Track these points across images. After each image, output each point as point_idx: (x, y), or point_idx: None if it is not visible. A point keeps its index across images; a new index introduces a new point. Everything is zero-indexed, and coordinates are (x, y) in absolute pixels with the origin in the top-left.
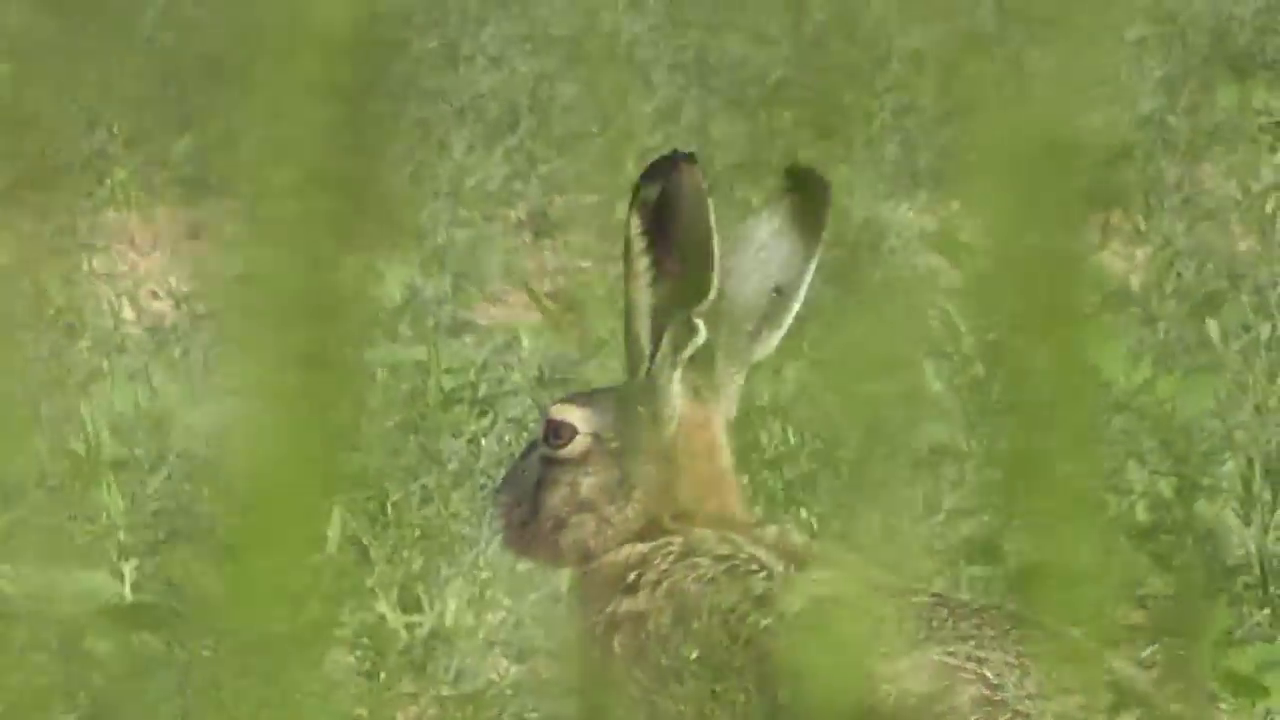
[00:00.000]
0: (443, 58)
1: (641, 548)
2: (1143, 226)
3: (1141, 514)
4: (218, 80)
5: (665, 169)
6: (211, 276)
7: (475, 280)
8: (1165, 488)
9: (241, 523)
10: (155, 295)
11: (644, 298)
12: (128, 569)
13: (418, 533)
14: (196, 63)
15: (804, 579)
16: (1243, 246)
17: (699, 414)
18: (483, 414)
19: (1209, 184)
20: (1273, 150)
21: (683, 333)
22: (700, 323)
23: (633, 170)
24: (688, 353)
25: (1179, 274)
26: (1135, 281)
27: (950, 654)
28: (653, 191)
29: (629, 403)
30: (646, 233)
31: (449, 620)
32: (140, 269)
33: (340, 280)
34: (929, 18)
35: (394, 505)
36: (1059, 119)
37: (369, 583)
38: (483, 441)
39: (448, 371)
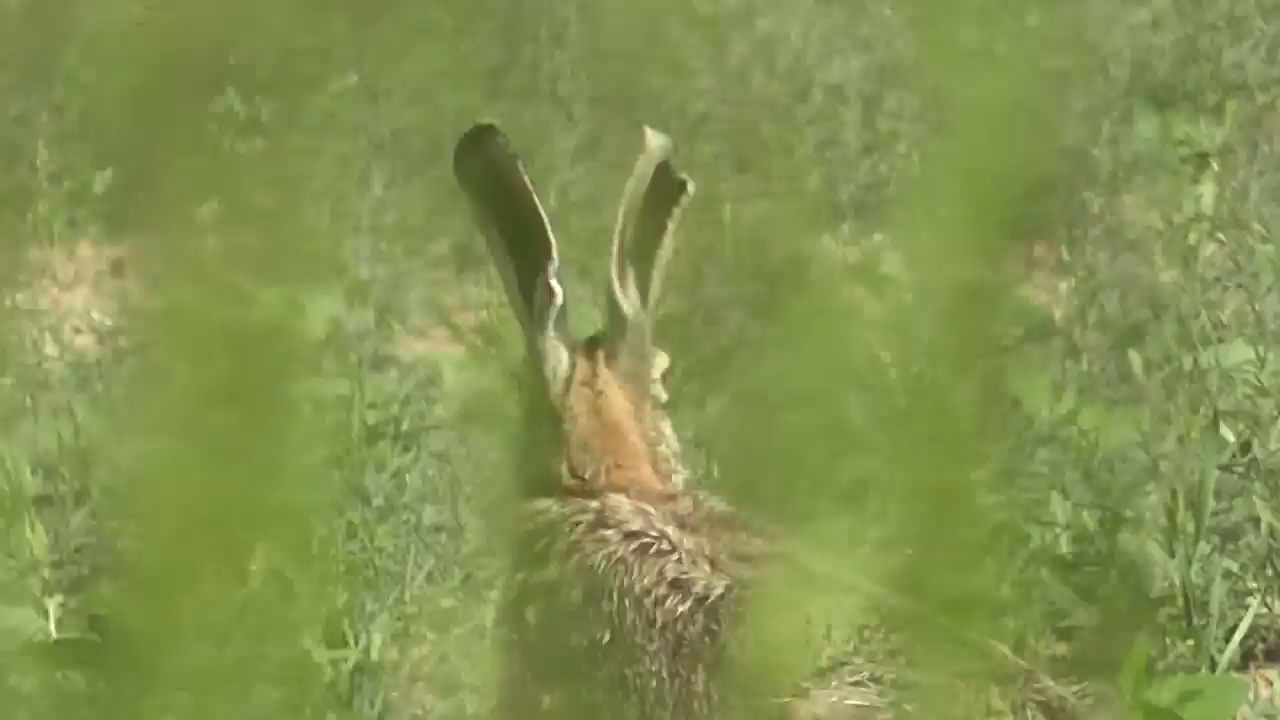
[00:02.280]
0: (363, 92)
1: (552, 513)
2: (1065, 258)
3: (1064, 546)
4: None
5: (477, 142)
6: (134, 312)
7: (398, 314)
8: (1088, 519)
9: (165, 559)
10: (78, 330)
11: (506, 268)
12: (52, 605)
13: (343, 567)
14: (118, 98)
15: (727, 561)
16: (1165, 278)
17: (588, 374)
18: (406, 448)
19: (1131, 215)
20: (1195, 181)
21: (544, 294)
22: (555, 283)
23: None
24: (552, 313)
25: (1101, 305)
26: (1058, 313)
27: (875, 680)
28: (473, 166)
29: (524, 365)
30: (485, 206)
31: (374, 655)
32: (63, 304)
33: (262, 315)
34: (850, 50)
35: (319, 540)
36: (980, 151)
37: (293, 617)
38: (407, 476)
39: (371, 406)
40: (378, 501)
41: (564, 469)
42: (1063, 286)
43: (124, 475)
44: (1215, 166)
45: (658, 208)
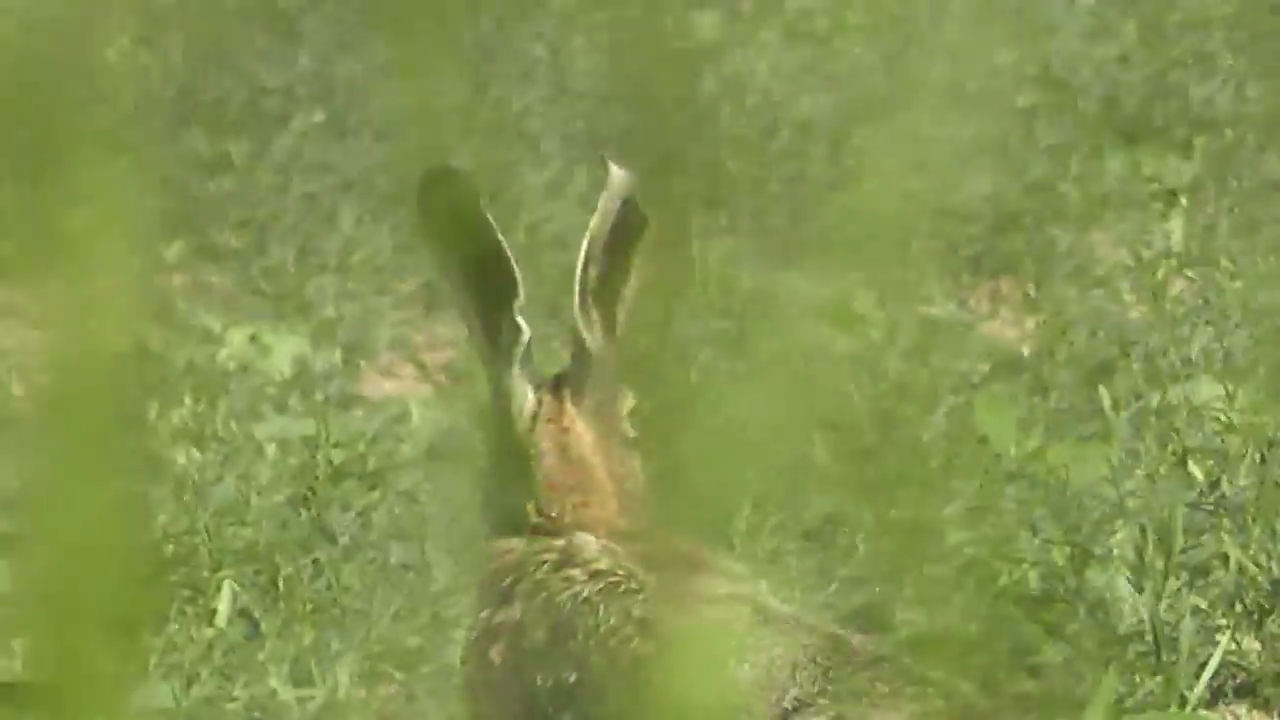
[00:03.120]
0: (330, 131)
1: (518, 551)
2: (1033, 294)
3: (1033, 583)
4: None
5: (439, 184)
6: (101, 351)
7: (365, 353)
8: (1057, 556)
9: (131, 598)
10: (43, 370)
11: (469, 308)
12: (17, 645)
13: (309, 606)
14: (86, 137)
15: (692, 602)
16: (1134, 314)
17: (555, 411)
18: (373, 487)
19: (1100, 252)
20: (1164, 217)
21: (510, 332)
22: (521, 320)
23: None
24: (518, 351)
25: (1070, 342)
26: (1026, 349)
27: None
28: (435, 207)
29: (490, 404)
30: (448, 247)
31: (341, 694)
32: (29, 343)
33: (229, 354)
34: (818, 87)
35: (285, 579)
36: (949, 187)
37: (260, 657)
38: (373, 515)
39: (337, 445)
40: (344, 540)
41: (531, 507)
42: (1031, 323)
43: (92, 514)
44: (1184, 202)
45: (622, 244)
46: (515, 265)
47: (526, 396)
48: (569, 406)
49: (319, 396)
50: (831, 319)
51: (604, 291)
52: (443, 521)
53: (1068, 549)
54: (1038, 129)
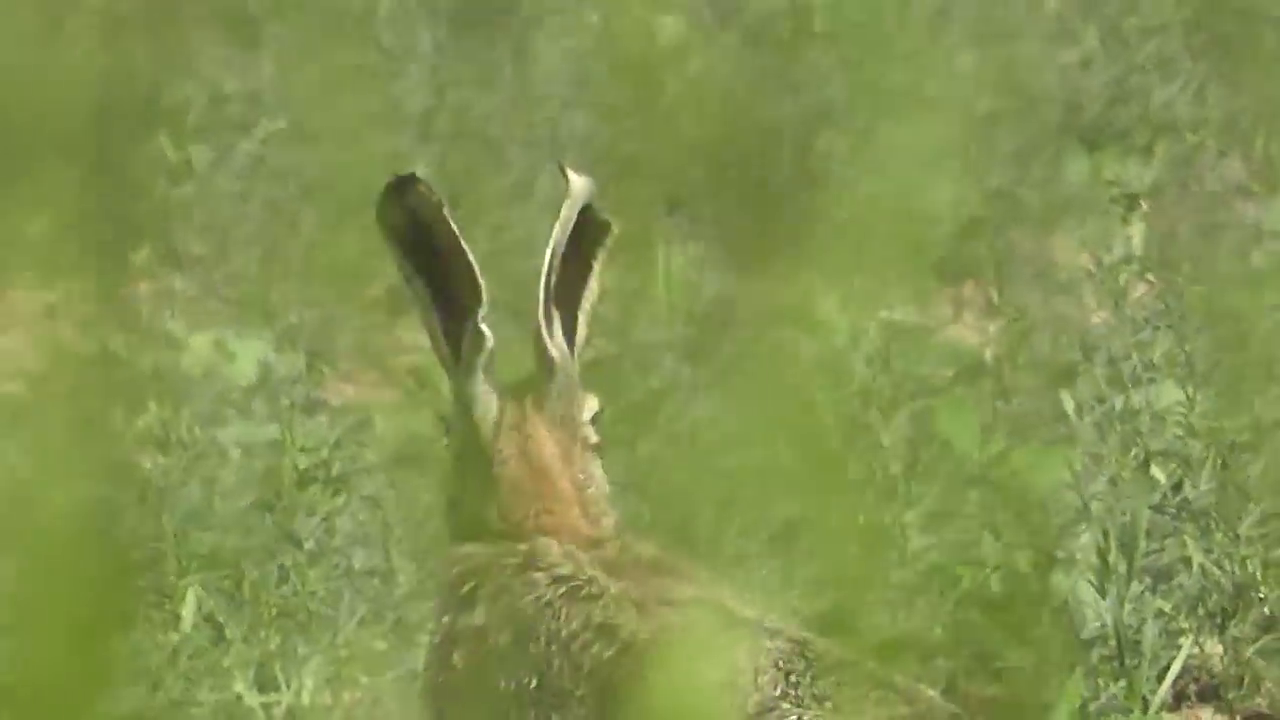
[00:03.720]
0: (292, 136)
1: (480, 556)
2: (995, 299)
3: (996, 587)
4: (72, 161)
5: (400, 192)
6: (67, 357)
7: (329, 359)
8: (1020, 560)
9: (97, 603)
10: (10, 376)
11: (430, 316)
12: None
13: (274, 611)
14: (50, 143)
15: (655, 606)
16: (1096, 319)
17: (518, 418)
18: (337, 493)
19: (1061, 256)
20: (1125, 222)
21: (474, 339)
22: (485, 328)
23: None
24: (482, 358)
25: (1032, 346)
26: (988, 354)
27: None
28: (397, 216)
29: (452, 410)
30: (410, 255)
31: (306, 699)
32: None
33: (193, 359)
34: (780, 92)
35: (250, 584)
36: (911, 192)
37: (226, 662)
38: (338, 520)
39: (302, 450)
40: (309, 546)
41: (493, 513)
42: (993, 327)
43: (57, 519)
44: (1145, 207)
45: (583, 249)
46: (479, 273)
47: (490, 404)
48: (531, 413)
49: (283, 402)
50: (794, 324)
51: (565, 298)
52: (407, 527)
53: (1031, 553)
54: (999, 134)
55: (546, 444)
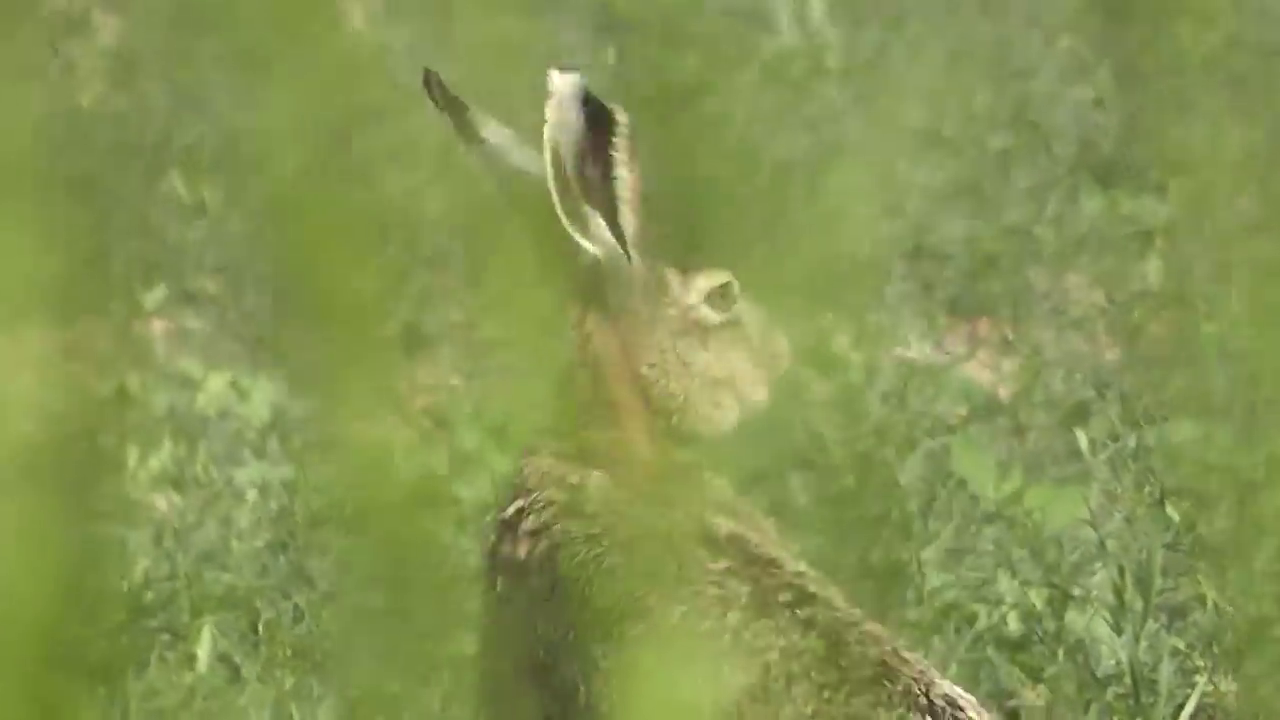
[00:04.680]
0: (306, 174)
1: (533, 474)
2: (1010, 336)
3: (1012, 625)
4: (85, 200)
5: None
6: (81, 397)
7: (344, 398)
8: (1035, 598)
9: (113, 644)
10: (23, 416)
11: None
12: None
13: (289, 652)
14: (65, 182)
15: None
16: (1110, 356)
17: (578, 318)
18: (352, 532)
19: (1076, 293)
20: (1140, 258)
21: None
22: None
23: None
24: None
25: (1047, 384)
26: (1003, 391)
27: None
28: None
29: None
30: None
31: None
32: (8, 390)
33: (208, 399)
34: (796, 129)
35: (265, 624)
36: (926, 229)
37: (241, 702)
38: (353, 560)
39: (317, 490)
40: (324, 585)
41: (558, 411)
42: (1008, 365)
43: (71, 562)
44: (1160, 244)
45: (598, 144)
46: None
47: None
48: (589, 314)
49: (298, 441)
50: (810, 361)
51: (598, 196)
52: (423, 567)
53: (1046, 591)
54: (1014, 171)
55: (603, 343)
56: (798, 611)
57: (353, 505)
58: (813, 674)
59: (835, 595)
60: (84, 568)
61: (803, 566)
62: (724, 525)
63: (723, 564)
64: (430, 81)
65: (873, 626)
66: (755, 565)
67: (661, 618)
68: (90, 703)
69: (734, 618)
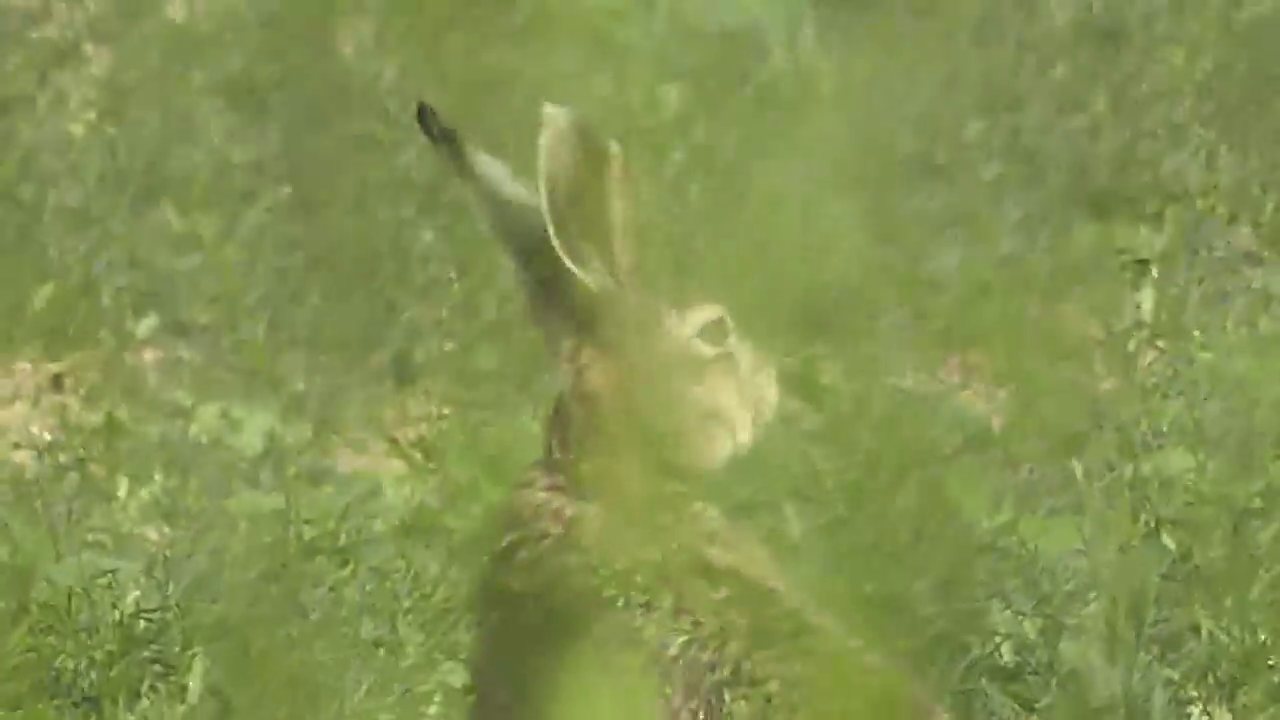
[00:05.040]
0: (299, 205)
1: (527, 505)
2: (1004, 366)
3: (1005, 655)
4: (77, 231)
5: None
6: (73, 427)
7: (336, 428)
8: (1029, 628)
9: (105, 676)
10: (17, 446)
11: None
12: None
13: (281, 682)
14: (56, 213)
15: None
16: (1105, 385)
17: (572, 350)
18: (344, 563)
19: (1070, 323)
20: (1134, 288)
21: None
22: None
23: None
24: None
25: (1040, 414)
26: (996, 422)
27: None
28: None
29: None
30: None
31: None
32: (1, 420)
33: (200, 429)
34: (787, 158)
35: (257, 655)
36: (919, 259)
37: None
38: (345, 591)
39: (308, 520)
40: (315, 616)
41: (552, 442)
42: (1001, 394)
43: (62, 592)
44: (1154, 273)
45: (594, 179)
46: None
47: (570, 343)
48: (584, 346)
49: (290, 471)
50: (802, 392)
51: (593, 229)
52: (414, 598)
53: (1040, 621)
54: (1007, 201)
55: (598, 375)
56: (798, 642)
57: (344, 536)
58: (814, 704)
59: (833, 625)
60: (76, 598)
61: (801, 597)
62: (721, 556)
63: (722, 594)
64: (424, 113)
65: (872, 658)
66: (754, 596)
67: (660, 649)
68: None
69: (735, 648)
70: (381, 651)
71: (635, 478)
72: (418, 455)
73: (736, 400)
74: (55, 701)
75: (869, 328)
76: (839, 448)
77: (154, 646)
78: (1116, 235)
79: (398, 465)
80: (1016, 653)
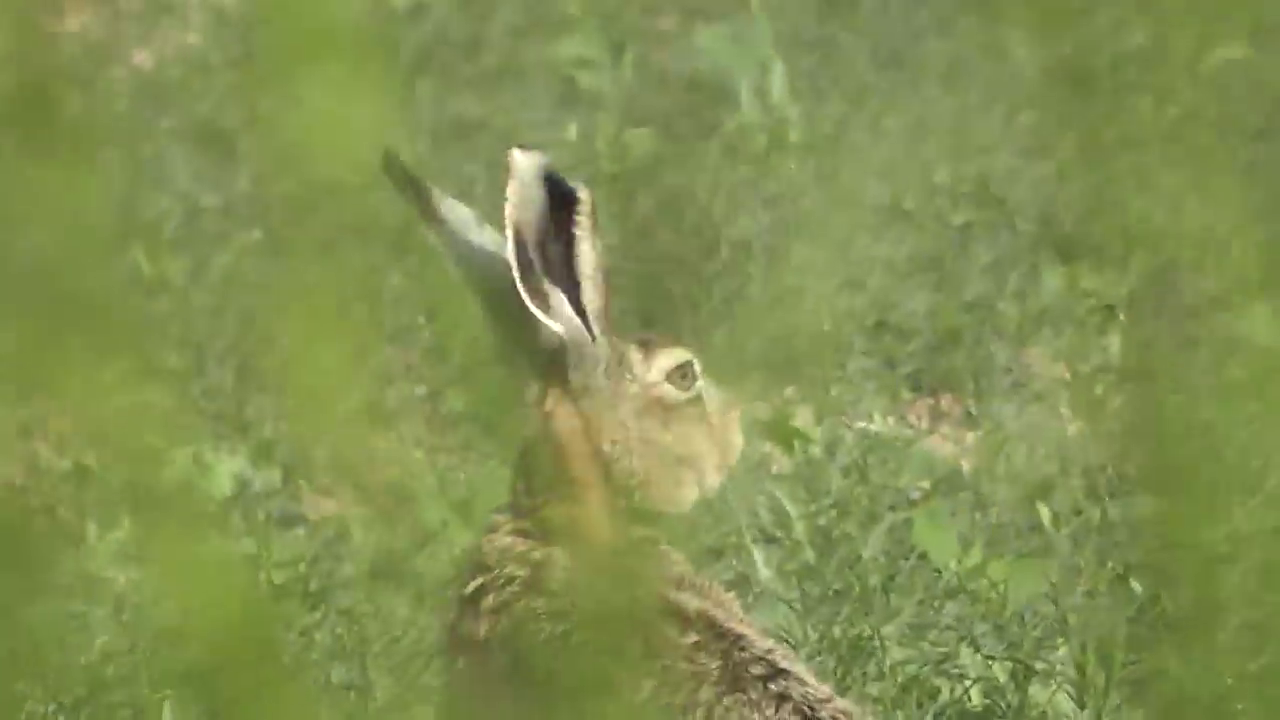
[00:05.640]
0: (268, 249)
1: (491, 551)
2: (972, 410)
3: (975, 699)
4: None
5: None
6: (42, 473)
7: (305, 472)
8: (998, 672)
9: (73, 719)
10: None
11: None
12: None
13: None
14: (23, 260)
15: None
16: (1072, 430)
17: (538, 395)
18: (314, 607)
19: (1038, 367)
20: (1101, 333)
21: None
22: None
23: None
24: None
25: (1009, 458)
26: (965, 466)
27: None
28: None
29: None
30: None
31: None
32: None
33: (169, 474)
34: (756, 206)
35: (226, 700)
36: (887, 304)
37: None
38: (315, 635)
39: (278, 565)
40: (285, 660)
41: (520, 490)
42: (970, 438)
43: (31, 638)
44: (1122, 318)
45: (562, 224)
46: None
47: (538, 388)
48: (552, 388)
49: (260, 516)
50: (772, 436)
51: (561, 274)
52: (384, 641)
53: (1009, 665)
54: (975, 246)
55: (565, 420)
56: (770, 686)
57: (314, 580)
58: None
59: (804, 670)
60: (45, 643)
61: (770, 642)
62: (691, 601)
63: (693, 638)
64: (389, 162)
65: (843, 703)
66: (725, 640)
67: (632, 693)
68: None
69: (706, 692)
70: (351, 695)
71: (602, 522)
72: (388, 499)
73: (704, 445)
74: None
75: (838, 372)
76: (808, 491)
77: (123, 691)
78: (1084, 280)
79: (367, 509)
80: (986, 696)
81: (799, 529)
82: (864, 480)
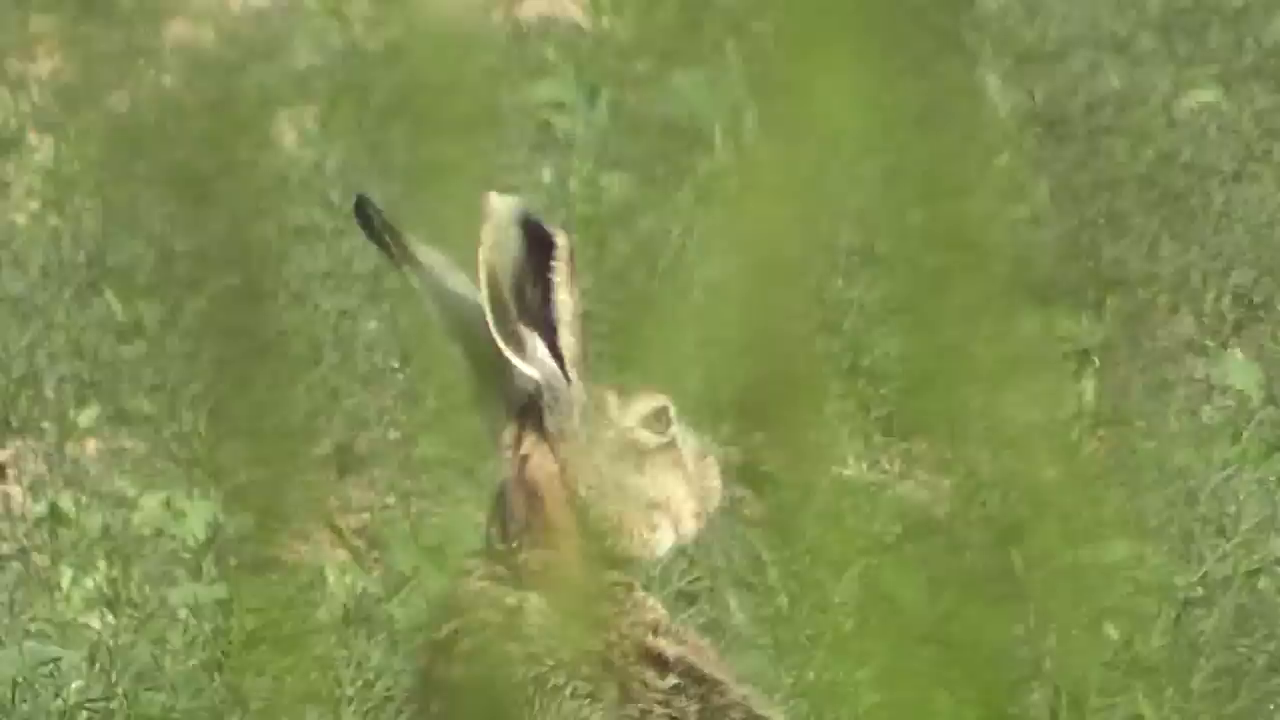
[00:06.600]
0: (242, 294)
1: (465, 594)
2: (946, 455)
3: None
4: (20, 320)
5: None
6: (16, 518)
7: (278, 517)
8: (972, 718)
9: None
10: None
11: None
12: None
13: None
14: None
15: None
16: (1047, 474)
17: (513, 437)
18: (287, 652)
19: (1012, 412)
20: (1076, 377)
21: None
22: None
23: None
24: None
25: (982, 503)
26: (939, 510)
27: None
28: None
29: None
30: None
31: None
32: None
33: (143, 519)
34: (730, 249)
35: None
36: (860, 348)
37: None
38: (288, 680)
39: (251, 610)
40: (258, 706)
41: (495, 534)
42: (944, 483)
43: (5, 684)
44: (1096, 362)
45: (538, 268)
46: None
47: (511, 433)
48: (528, 432)
49: (232, 561)
50: (744, 481)
51: (536, 318)
52: (357, 687)
53: (982, 711)
54: (949, 290)
55: (541, 464)
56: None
57: (287, 625)
58: None
59: (779, 715)
60: (19, 687)
61: (747, 688)
62: (669, 646)
63: (670, 682)
64: (362, 207)
65: None
66: (702, 685)
67: None
68: None
69: None
70: None
71: (577, 567)
72: (360, 544)
73: (680, 490)
74: None
75: (811, 416)
76: (781, 536)
77: None
78: (1058, 324)
79: (340, 554)
80: None
81: (772, 574)
82: (837, 525)
